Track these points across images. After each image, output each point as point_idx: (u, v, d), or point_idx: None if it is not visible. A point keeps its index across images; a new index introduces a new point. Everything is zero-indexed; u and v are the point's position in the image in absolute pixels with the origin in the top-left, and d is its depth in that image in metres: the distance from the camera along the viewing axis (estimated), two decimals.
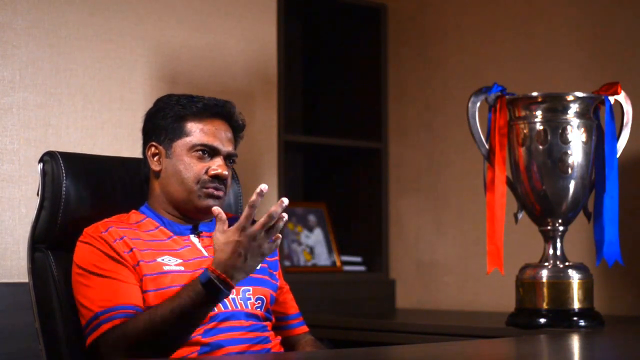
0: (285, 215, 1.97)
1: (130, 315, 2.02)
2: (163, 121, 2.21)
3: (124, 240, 2.11)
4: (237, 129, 2.27)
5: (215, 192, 2.18)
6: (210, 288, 1.96)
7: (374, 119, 3.82)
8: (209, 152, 2.19)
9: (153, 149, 2.21)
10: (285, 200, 1.96)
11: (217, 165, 2.18)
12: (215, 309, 2.11)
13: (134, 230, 2.15)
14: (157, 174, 2.22)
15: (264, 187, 1.95)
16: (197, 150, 2.18)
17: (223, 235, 1.98)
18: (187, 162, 2.18)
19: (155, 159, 2.21)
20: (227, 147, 2.21)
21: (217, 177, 2.18)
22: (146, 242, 2.14)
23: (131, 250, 2.10)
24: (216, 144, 2.19)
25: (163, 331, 1.98)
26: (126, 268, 2.08)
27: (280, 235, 2.00)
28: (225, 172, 2.18)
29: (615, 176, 2.68)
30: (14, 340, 2.68)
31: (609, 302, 3.10)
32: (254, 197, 1.95)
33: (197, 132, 2.19)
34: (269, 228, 1.96)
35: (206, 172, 2.17)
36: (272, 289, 2.25)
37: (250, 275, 2.21)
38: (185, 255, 2.16)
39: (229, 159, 2.22)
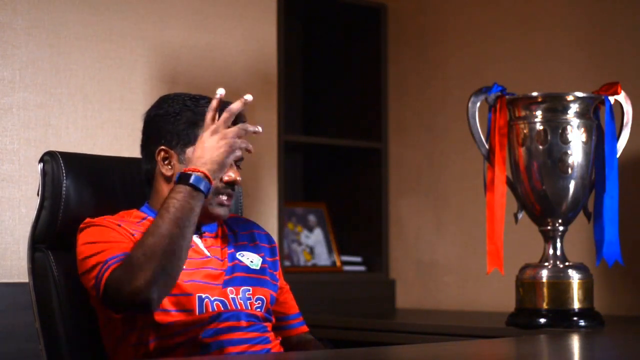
0: (259, 128, 2.06)
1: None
2: (173, 126, 2.19)
3: (126, 227, 2.10)
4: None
5: (227, 202, 2.18)
6: (187, 178, 2.00)
7: (374, 119, 3.82)
8: None
9: (163, 153, 2.19)
10: (249, 97, 2.04)
11: (231, 172, 2.17)
12: (215, 308, 2.11)
13: (137, 227, 2.15)
14: (168, 179, 2.19)
15: (248, 97, 2.04)
16: None
17: (204, 135, 2.05)
18: None
19: (166, 163, 2.20)
20: (238, 152, 2.21)
21: (230, 184, 2.17)
22: None
23: (133, 235, 2.09)
24: None
25: (161, 242, 1.96)
26: (131, 241, 2.06)
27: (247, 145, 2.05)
28: (239, 178, 2.18)
29: (615, 176, 2.68)
30: (14, 340, 2.68)
31: (609, 302, 3.10)
32: (237, 103, 2.03)
33: None
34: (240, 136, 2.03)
35: (220, 179, 2.16)
36: (272, 290, 2.25)
37: (251, 275, 2.21)
38: (188, 254, 2.15)
39: (238, 162, 2.23)
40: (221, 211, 2.17)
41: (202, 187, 2.00)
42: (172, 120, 2.19)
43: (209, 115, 2.06)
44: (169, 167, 2.19)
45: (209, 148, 2.03)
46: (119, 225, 2.10)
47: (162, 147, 2.19)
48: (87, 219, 2.14)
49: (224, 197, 2.17)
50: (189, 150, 2.17)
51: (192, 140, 2.17)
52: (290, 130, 3.70)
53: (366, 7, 3.83)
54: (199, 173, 2.01)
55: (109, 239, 2.06)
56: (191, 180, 2.00)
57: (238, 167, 2.23)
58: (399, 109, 3.82)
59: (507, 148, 2.74)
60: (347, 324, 3.22)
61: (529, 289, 2.71)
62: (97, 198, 2.26)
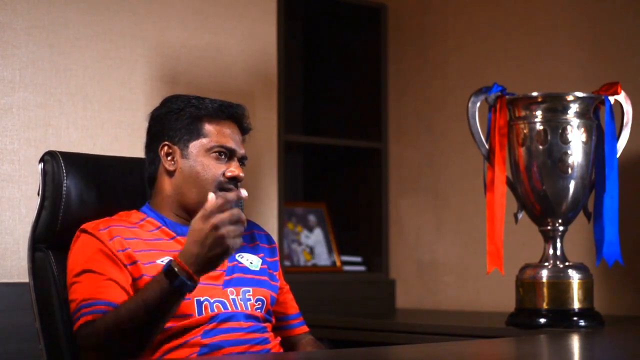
0: (245, 194, 1.96)
1: (107, 312, 2.01)
2: (177, 122, 2.20)
3: (121, 241, 2.10)
4: (245, 132, 2.28)
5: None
6: (172, 277, 1.92)
7: (374, 119, 3.82)
8: (226, 154, 2.19)
9: (167, 148, 2.21)
10: (244, 193, 1.96)
11: (234, 167, 2.19)
12: (215, 309, 2.11)
13: (133, 230, 2.15)
14: (171, 174, 2.20)
15: (244, 194, 1.96)
16: (215, 152, 2.18)
17: (194, 221, 1.94)
18: (205, 163, 2.18)
19: (169, 158, 2.21)
20: (242, 150, 2.23)
21: (233, 179, 2.18)
22: (146, 242, 2.14)
23: (125, 249, 2.10)
24: (233, 146, 2.20)
25: (130, 326, 1.95)
26: (116, 266, 2.07)
27: (242, 241, 1.94)
28: (242, 174, 2.19)
29: (615, 176, 2.68)
30: (14, 340, 2.68)
31: (609, 302, 3.10)
32: (232, 194, 1.94)
33: (214, 133, 2.19)
34: (235, 222, 1.91)
35: (223, 174, 2.18)
36: (272, 291, 2.25)
37: (250, 276, 2.21)
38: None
39: (241, 161, 2.23)
40: None
41: (185, 289, 1.93)
42: (175, 116, 2.21)
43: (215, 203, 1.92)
44: (172, 162, 2.20)
45: (200, 242, 1.91)
46: (112, 240, 2.10)
47: (166, 142, 2.20)
48: (85, 225, 2.15)
49: (227, 193, 2.18)
50: (193, 145, 2.18)
51: (195, 134, 2.19)
52: (290, 130, 3.70)
53: (366, 7, 3.83)
54: (184, 274, 1.92)
55: (90, 266, 2.06)
56: (175, 284, 1.92)
57: (242, 164, 2.24)
58: (399, 109, 3.82)
59: (507, 148, 2.74)
60: (347, 324, 3.22)
61: (529, 289, 2.71)
62: (97, 198, 2.26)
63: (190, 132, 2.19)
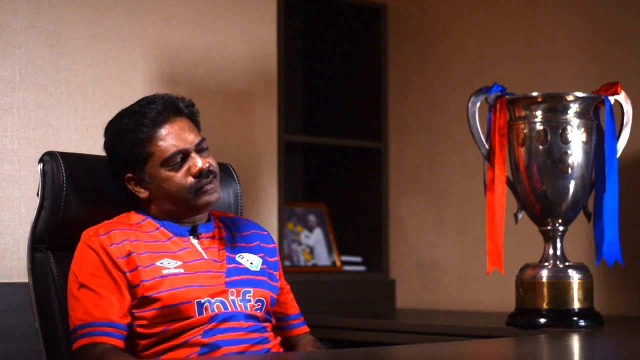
0: None
1: (106, 333, 2.03)
2: (124, 152, 2.19)
3: (124, 244, 2.11)
4: (189, 114, 2.24)
5: (208, 187, 2.17)
6: None
7: (374, 119, 3.82)
8: (180, 157, 2.17)
9: (132, 181, 2.21)
10: None
11: (193, 163, 2.17)
12: (216, 309, 2.11)
13: (134, 232, 2.15)
14: (148, 199, 2.21)
15: None
16: (168, 164, 2.16)
17: None
18: (167, 178, 2.16)
19: (138, 188, 2.21)
20: (192, 140, 2.18)
21: (200, 173, 2.17)
22: (146, 244, 2.14)
23: (129, 254, 2.10)
24: (181, 146, 2.17)
25: None
26: (112, 280, 2.08)
27: None
28: (206, 165, 2.17)
29: (615, 176, 2.68)
30: (14, 340, 2.68)
31: (609, 302, 3.10)
32: None
33: (159, 147, 2.16)
34: None
35: (191, 176, 2.17)
36: (272, 291, 2.25)
37: (251, 277, 2.21)
38: (185, 257, 2.16)
39: (200, 149, 2.20)
40: (210, 197, 2.18)
41: None
42: (121, 147, 2.19)
43: None
44: (143, 189, 2.20)
45: None
46: (112, 245, 2.10)
47: (127, 174, 2.20)
48: (86, 231, 2.15)
49: (204, 186, 2.17)
50: (148, 168, 2.17)
51: (142, 157, 2.16)
52: (290, 130, 3.70)
53: (366, 7, 3.82)
54: None
55: (88, 282, 2.07)
56: None
57: (205, 150, 2.19)
58: (399, 109, 3.82)
59: (507, 148, 2.74)
60: (347, 324, 3.22)
61: (529, 289, 2.70)
62: (97, 198, 2.26)
63: (138, 157, 2.17)
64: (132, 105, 2.22)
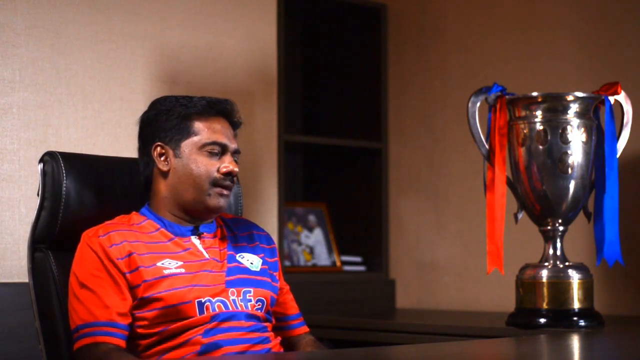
0: None
1: (108, 333, 2.04)
2: (167, 122, 2.20)
3: (124, 245, 2.11)
4: (236, 126, 2.28)
5: (225, 192, 2.19)
6: None
7: (374, 119, 3.82)
8: (219, 150, 2.20)
9: (159, 149, 2.21)
10: None
11: (228, 162, 2.19)
12: (217, 309, 2.11)
13: (134, 233, 2.15)
14: (165, 174, 2.21)
15: None
16: (207, 149, 2.19)
17: None
18: (198, 161, 2.18)
19: (162, 158, 2.21)
20: (234, 144, 2.23)
21: (228, 174, 2.19)
22: (147, 245, 2.14)
23: (130, 255, 2.10)
24: (225, 141, 2.20)
25: None
26: (112, 280, 2.08)
27: None
28: (237, 169, 2.20)
29: (615, 176, 2.68)
30: (14, 340, 2.68)
31: (609, 302, 3.10)
32: None
33: (205, 130, 2.19)
34: None
35: (217, 170, 2.18)
36: (272, 291, 2.25)
37: (251, 277, 2.22)
38: (186, 257, 2.16)
39: (234, 155, 2.24)
40: (221, 201, 2.19)
41: None
42: (165, 118, 2.21)
43: None
44: (166, 162, 2.20)
45: None
46: (112, 246, 2.11)
47: (158, 143, 2.20)
48: (86, 232, 2.16)
49: (223, 189, 2.18)
50: (184, 144, 2.18)
51: (186, 133, 2.19)
52: (290, 130, 3.70)
53: (366, 7, 3.82)
54: None
55: (89, 282, 2.08)
56: None
57: (236, 159, 2.24)
58: (399, 109, 3.82)
59: (507, 148, 2.74)
60: (347, 324, 3.22)
61: (529, 289, 2.70)
62: (97, 198, 2.26)
63: (181, 131, 2.19)
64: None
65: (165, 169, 2.20)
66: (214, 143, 2.19)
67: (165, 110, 2.22)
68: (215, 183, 2.18)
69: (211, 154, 2.19)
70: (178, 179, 2.19)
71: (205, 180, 2.17)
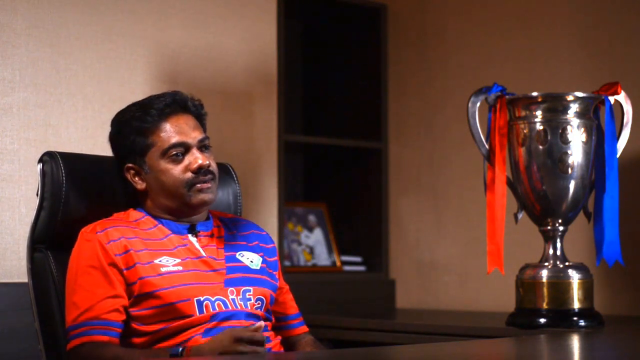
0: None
1: (99, 332, 2.04)
2: (126, 141, 2.20)
3: (121, 241, 2.11)
4: (197, 113, 2.25)
5: (206, 185, 2.18)
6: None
7: (374, 119, 3.82)
8: (181, 150, 2.18)
9: (131, 171, 2.22)
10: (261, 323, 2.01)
11: (194, 159, 2.17)
12: (217, 307, 2.11)
13: (132, 229, 2.16)
14: (144, 192, 2.22)
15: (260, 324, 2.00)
16: (169, 155, 2.17)
17: (224, 336, 1.98)
18: (165, 170, 2.17)
19: (137, 179, 2.21)
20: (195, 136, 2.20)
21: (200, 170, 2.17)
22: (144, 242, 2.14)
23: (127, 251, 2.10)
24: (183, 139, 2.18)
25: None
26: (106, 280, 2.08)
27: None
28: (207, 162, 2.18)
29: (615, 176, 2.68)
30: (14, 340, 2.68)
31: (609, 302, 3.10)
32: (259, 335, 1.97)
33: (159, 137, 2.18)
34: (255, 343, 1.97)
35: (188, 170, 2.17)
36: (271, 290, 2.25)
37: (251, 275, 2.22)
38: (183, 254, 2.16)
39: (203, 146, 2.21)
40: (204, 196, 2.18)
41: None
42: (123, 136, 2.21)
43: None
44: (141, 181, 2.20)
45: (218, 342, 1.98)
46: (109, 242, 2.11)
47: (128, 165, 2.20)
48: (83, 229, 2.16)
49: (201, 184, 2.17)
50: (148, 158, 2.18)
51: (145, 147, 2.17)
52: (290, 130, 3.70)
53: (366, 7, 3.82)
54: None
55: (84, 281, 2.08)
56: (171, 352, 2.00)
57: (207, 149, 2.21)
58: (399, 109, 3.82)
59: (507, 148, 2.74)
60: (347, 324, 3.22)
61: (529, 289, 2.70)
62: (97, 198, 2.26)
63: (140, 146, 2.18)
64: (142, 99, 2.25)
65: (141, 187, 2.21)
66: (172, 146, 2.17)
67: (121, 130, 2.22)
68: (190, 184, 2.17)
69: (175, 159, 2.17)
70: (156, 193, 2.20)
71: (179, 185, 2.17)
